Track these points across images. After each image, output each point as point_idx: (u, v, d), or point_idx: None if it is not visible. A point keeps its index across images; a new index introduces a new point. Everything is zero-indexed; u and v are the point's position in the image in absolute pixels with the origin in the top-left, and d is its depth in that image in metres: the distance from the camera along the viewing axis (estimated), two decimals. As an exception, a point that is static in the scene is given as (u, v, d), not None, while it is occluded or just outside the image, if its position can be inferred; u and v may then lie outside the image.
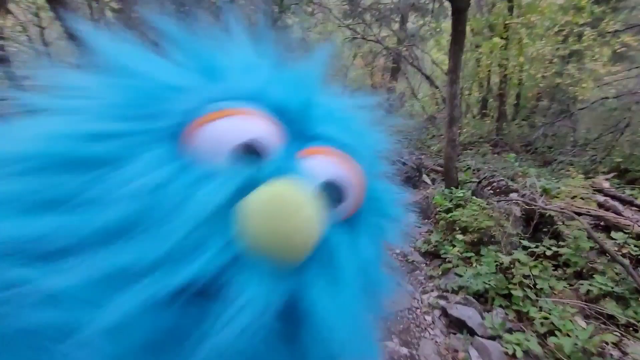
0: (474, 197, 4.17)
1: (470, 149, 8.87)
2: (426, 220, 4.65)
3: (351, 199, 0.34)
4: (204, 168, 0.28)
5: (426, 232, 4.40)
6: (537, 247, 3.16)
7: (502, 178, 4.40)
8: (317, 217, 0.28)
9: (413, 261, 3.79)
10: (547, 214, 3.43)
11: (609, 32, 6.70)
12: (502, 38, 7.37)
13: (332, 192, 0.33)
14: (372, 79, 18.98)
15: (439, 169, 7.21)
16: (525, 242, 3.27)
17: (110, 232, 0.24)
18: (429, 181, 6.53)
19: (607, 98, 6.19)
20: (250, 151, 0.30)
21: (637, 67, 7.13)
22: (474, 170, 6.39)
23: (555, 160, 6.74)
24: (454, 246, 3.61)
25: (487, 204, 3.80)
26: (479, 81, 10.48)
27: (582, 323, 2.36)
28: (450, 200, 4.43)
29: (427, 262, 3.81)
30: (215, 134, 0.29)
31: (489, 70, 8.43)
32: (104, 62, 0.31)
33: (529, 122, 9.53)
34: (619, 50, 6.84)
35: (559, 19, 6.72)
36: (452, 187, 4.65)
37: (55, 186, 0.25)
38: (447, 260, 3.54)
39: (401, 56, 13.52)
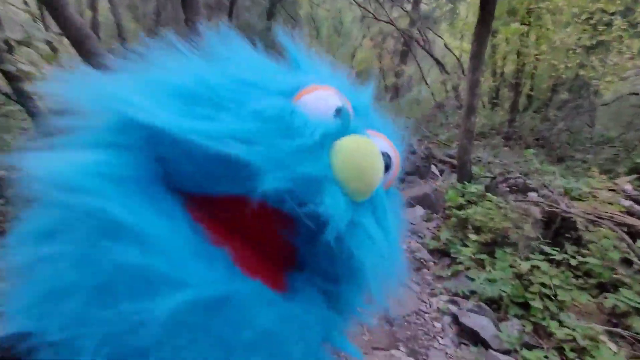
0: (488, 194, 3.89)
1: (481, 141, 8.53)
2: (435, 215, 4.40)
3: (393, 171, 0.44)
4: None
5: (435, 227, 4.15)
6: (559, 254, 2.91)
7: (519, 175, 4.10)
8: (382, 165, 0.38)
9: (421, 259, 3.55)
10: (570, 218, 3.16)
11: (641, 23, 6.23)
12: (523, 24, 6.88)
13: (384, 160, 0.40)
14: (380, 61, 18.32)
15: (448, 159, 6.90)
16: (545, 248, 3.01)
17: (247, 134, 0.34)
18: (437, 172, 6.24)
19: (636, 94, 5.81)
20: (339, 113, 0.40)
21: (664, 63, 6.69)
22: (484, 164, 6.09)
23: (571, 157, 6.42)
24: (466, 246, 3.36)
25: (503, 203, 3.52)
26: (493, 69, 9.99)
27: (612, 345, 2.13)
28: (463, 196, 4.15)
29: (436, 261, 3.57)
30: (319, 99, 0.40)
31: (504, 58, 7.95)
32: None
33: (543, 115, 9.14)
34: (649, 43, 6.39)
35: (589, 5, 6.23)
36: (465, 182, 4.36)
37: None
38: (457, 260, 3.30)
39: (412, 39, 12.90)
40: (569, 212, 3.09)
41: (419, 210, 4.51)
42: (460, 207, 3.82)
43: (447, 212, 4.05)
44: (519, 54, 7.89)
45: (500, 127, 8.58)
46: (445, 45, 11.95)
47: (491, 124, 8.77)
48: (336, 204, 0.33)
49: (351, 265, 0.37)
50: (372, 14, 12.81)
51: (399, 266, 0.43)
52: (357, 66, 24.58)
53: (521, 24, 6.84)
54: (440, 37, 12.11)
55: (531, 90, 8.93)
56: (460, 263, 3.23)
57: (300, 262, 0.41)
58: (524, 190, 3.79)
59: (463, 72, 11.37)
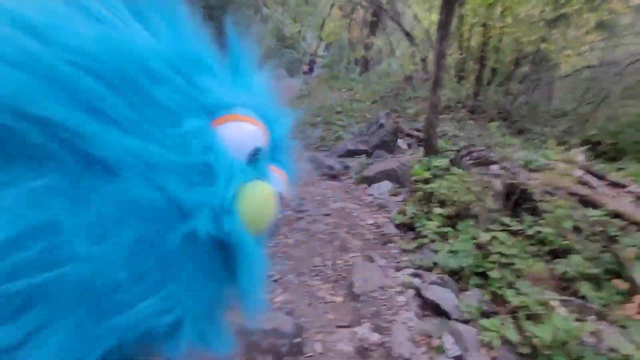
0: (453, 168, 3.92)
1: (447, 114, 8.61)
2: (401, 189, 4.40)
3: (283, 207, 0.50)
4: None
5: (402, 201, 4.16)
6: (517, 224, 2.99)
7: (482, 148, 4.16)
8: (277, 207, 0.44)
9: (387, 234, 3.56)
10: (528, 190, 3.24)
11: (599, -4, 6.36)
12: (490, -5, 6.81)
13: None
14: (349, 32, 17.82)
15: (416, 133, 6.92)
16: (505, 219, 3.09)
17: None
18: (405, 146, 6.25)
19: (589, 67, 6.00)
20: (255, 156, 0.43)
21: (618, 37, 6.95)
22: (449, 137, 6.15)
23: (530, 130, 6.64)
24: (430, 220, 3.39)
25: (467, 176, 3.55)
26: (460, 41, 9.98)
27: (562, 310, 2.23)
28: (429, 169, 4.16)
29: (402, 235, 3.60)
30: (242, 134, 0.41)
31: (471, 30, 7.93)
32: None
33: (505, 89, 9.35)
34: (605, 18, 6.55)
35: (552, -23, 6.25)
36: (430, 156, 4.37)
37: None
38: (422, 234, 3.33)
39: (382, 9, 12.56)
40: (527, 184, 3.16)
41: (386, 185, 4.49)
42: (426, 181, 3.82)
43: (413, 186, 4.05)
44: (484, 26, 7.88)
45: (466, 100, 8.69)
46: (415, 16, 11.74)
47: (457, 97, 8.85)
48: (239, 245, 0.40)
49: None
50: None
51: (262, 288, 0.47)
52: (326, 38, 23.88)
53: (488, -5, 6.77)
54: (409, 6, 11.82)
55: (495, 63, 9.03)
56: (425, 236, 3.26)
57: None
58: (486, 163, 3.85)
59: (431, 45, 11.31)
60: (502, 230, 3.01)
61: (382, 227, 3.69)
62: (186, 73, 0.38)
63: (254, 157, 0.41)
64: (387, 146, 5.73)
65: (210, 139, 0.37)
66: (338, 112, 9.49)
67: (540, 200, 3.21)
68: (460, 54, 10.56)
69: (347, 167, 5.66)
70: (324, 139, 7.40)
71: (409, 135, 6.77)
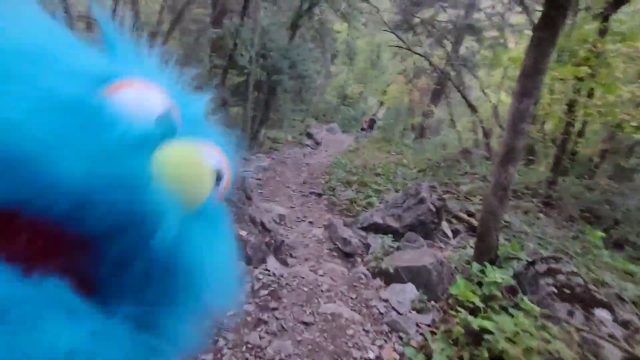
0: (522, 296, 2.32)
1: (511, 200, 6.87)
2: (432, 304, 2.83)
3: (224, 184, 0.40)
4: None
5: (429, 327, 2.59)
6: None
7: (574, 269, 2.51)
8: (211, 176, 0.34)
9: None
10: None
11: None
12: (584, 66, 5.39)
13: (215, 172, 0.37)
14: (410, 98, 17.12)
15: (467, 217, 5.30)
16: None
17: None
18: (449, 232, 4.66)
19: None
20: (163, 118, 0.34)
21: None
22: (514, 233, 4.46)
23: (633, 243, 4.68)
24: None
25: (549, 325, 1.95)
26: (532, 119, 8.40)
27: None
28: (479, 286, 2.59)
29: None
30: (140, 97, 0.33)
31: (550, 104, 6.41)
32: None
33: (588, 182, 7.39)
34: None
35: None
36: (484, 260, 2.80)
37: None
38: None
39: (448, 78, 11.61)
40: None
41: (411, 291, 2.95)
42: (472, 311, 2.26)
43: (450, 311, 2.50)
44: (570, 104, 6.33)
45: (537, 187, 6.90)
46: (482, 89, 10.55)
47: (526, 181, 7.11)
48: (161, 215, 0.28)
49: (173, 283, 0.32)
50: (406, 44, 11.70)
51: (229, 283, 0.39)
52: (386, 101, 23.59)
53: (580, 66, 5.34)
54: (477, 78, 10.71)
55: (576, 147, 7.24)
56: None
57: (99, 292, 0.31)
58: (586, 299, 2.20)
59: (500, 125, 9.87)
60: None
61: (385, 371, 2.14)
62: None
63: (164, 121, 0.33)
64: (425, 229, 4.23)
65: (98, 106, 0.29)
66: (377, 174, 8.21)
67: None
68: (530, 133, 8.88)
69: (367, 246, 4.22)
70: (353, 202, 6.09)
71: (456, 218, 5.19)
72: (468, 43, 15.59)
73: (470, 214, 5.47)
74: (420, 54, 11.23)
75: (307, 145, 12.02)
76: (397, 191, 6.93)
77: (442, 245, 4.25)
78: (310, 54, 9.74)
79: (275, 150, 9.95)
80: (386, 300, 2.94)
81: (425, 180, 8.09)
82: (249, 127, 8.69)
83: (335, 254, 4.17)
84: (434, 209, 4.22)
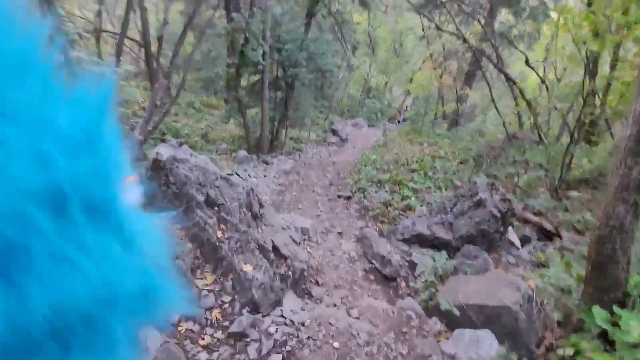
0: None
1: (579, 191, 5.60)
2: (516, 354, 1.87)
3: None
4: None
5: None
6: None
7: None
8: None
9: None
10: None
11: None
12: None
13: None
14: (440, 84, 15.66)
15: (534, 218, 4.19)
16: None
17: None
18: (516, 240, 3.61)
19: None
20: None
21: None
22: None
23: None
24: None
25: None
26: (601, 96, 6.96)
27: None
28: (603, 341, 1.62)
29: None
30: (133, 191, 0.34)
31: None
32: None
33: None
34: None
35: None
36: (606, 301, 1.79)
37: None
38: None
39: (484, 55, 10.21)
40: None
41: (489, 343, 2.01)
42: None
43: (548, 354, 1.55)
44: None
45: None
46: (527, 63, 9.08)
47: (601, 167, 5.79)
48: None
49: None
50: (436, 24, 10.44)
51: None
52: (413, 91, 22.13)
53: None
54: (522, 52, 9.27)
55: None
56: None
57: None
58: None
59: (548, 99, 8.43)
60: None
61: None
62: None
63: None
64: (489, 240, 3.23)
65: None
66: (413, 170, 7.17)
67: None
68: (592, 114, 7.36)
69: (411, 265, 3.30)
70: (387, 206, 5.15)
71: (525, 220, 4.10)
72: (503, 17, 13.95)
73: (537, 213, 4.35)
74: (452, 33, 9.95)
75: (333, 143, 11.15)
76: (438, 189, 5.90)
77: (511, 259, 3.23)
78: (329, 46, 8.87)
79: (298, 151, 9.18)
80: (452, 358, 2.02)
81: (468, 173, 6.96)
82: (268, 129, 7.97)
83: (372, 276, 3.29)
84: (498, 214, 3.20)
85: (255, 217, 2.65)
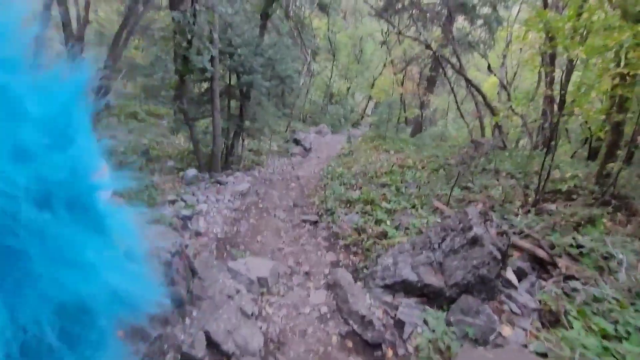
0: None
1: (553, 201, 5.31)
2: None
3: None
4: None
5: None
6: None
7: None
8: None
9: None
10: None
11: None
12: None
13: None
14: (402, 89, 15.50)
15: (526, 245, 3.69)
16: None
17: None
18: (514, 279, 3.05)
19: None
20: None
21: None
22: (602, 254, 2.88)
23: None
24: None
25: None
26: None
27: None
28: None
29: None
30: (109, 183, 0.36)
31: (614, 77, 4.83)
32: None
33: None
34: None
35: None
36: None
37: None
38: None
39: (445, 60, 10.01)
40: None
41: None
42: None
43: None
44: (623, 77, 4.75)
45: (588, 183, 5.36)
46: (489, 68, 8.96)
47: (576, 176, 5.56)
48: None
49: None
50: (398, 29, 10.08)
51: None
52: (374, 96, 21.98)
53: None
54: (484, 57, 9.14)
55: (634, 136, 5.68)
56: None
57: None
58: None
59: (512, 108, 8.28)
60: None
61: None
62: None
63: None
64: (486, 286, 2.62)
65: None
66: (384, 185, 6.58)
67: None
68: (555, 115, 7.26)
69: (398, 324, 2.59)
70: (360, 232, 4.46)
71: (517, 249, 3.58)
72: (459, 24, 14.05)
73: (527, 236, 3.87)
74: (414, 38, 9.62)
75: (296, 154, 10.36)
76: (413, 207, 5.32)
77: (514, 308, 2.64)
78: (289, 51, 8.11)
79: (258, 165, 8.28)
80: None
81: (438, 184, 6.52)
82: (222, 143, 7.01)
83: (350, 343, 2.54)
84: (498, 255, 2.60)
85: (180, 300, 1.78)
